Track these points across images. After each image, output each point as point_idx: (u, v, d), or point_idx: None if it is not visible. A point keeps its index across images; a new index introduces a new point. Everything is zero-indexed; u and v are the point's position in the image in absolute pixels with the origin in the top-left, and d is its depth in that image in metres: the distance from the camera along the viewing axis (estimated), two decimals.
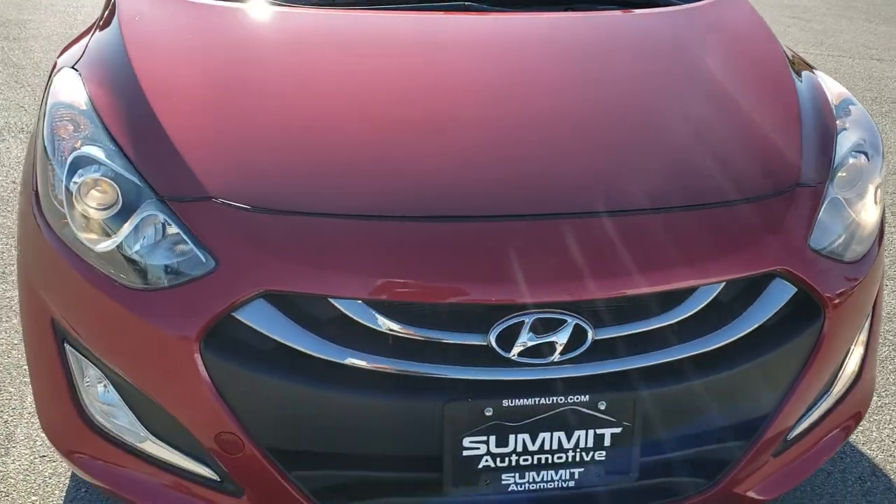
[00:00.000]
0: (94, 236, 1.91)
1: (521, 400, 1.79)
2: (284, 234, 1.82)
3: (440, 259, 1.80)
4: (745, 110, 2.24)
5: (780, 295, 1.94)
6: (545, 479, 1.86)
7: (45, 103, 2.19)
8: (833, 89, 2.45)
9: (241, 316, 1.78)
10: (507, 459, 1.83)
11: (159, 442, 1.94)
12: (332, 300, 1.78)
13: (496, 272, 1.79)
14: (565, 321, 1.78)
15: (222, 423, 1.82)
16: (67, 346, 1.99)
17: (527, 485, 1.85)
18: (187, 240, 1.83)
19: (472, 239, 1.83)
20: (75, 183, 1.94)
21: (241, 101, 2.11)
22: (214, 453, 1.86)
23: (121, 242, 1.87)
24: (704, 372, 1.87)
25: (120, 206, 1.91)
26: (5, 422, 2.75)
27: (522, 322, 1.77)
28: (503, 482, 1.84)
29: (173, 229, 1.85)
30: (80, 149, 1.99)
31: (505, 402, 1.79)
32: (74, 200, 1.93)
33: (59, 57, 2.43)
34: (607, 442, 1.85)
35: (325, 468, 1.87)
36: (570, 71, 2.37)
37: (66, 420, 2.03)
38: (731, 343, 1.89)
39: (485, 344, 1.79)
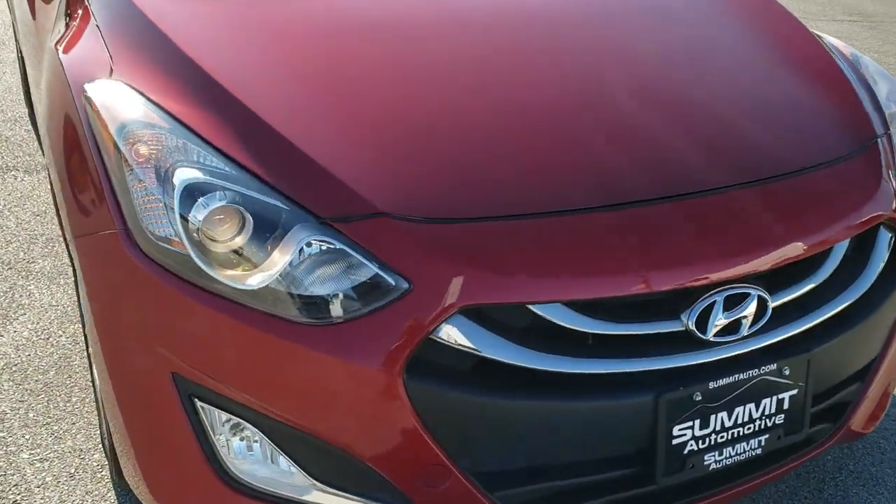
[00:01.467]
0: (236, 272, 1.66)
1: (724, 379, 1.79)
2: (473, 242, 1.68)
3: (636, 247, 1.74)
4: (805, 74, 2.34)
5: (884, 242, 2.06)
6: (738, 451, 1.87)
7: (93, 128, 1.85)
8: (841, 47, 2.61)
9: (440, 336, 1.63)
10: (707, 440, 1.83)
11: (330, 489, 1.74)
12: (531, 306, 1.67)
13: (688, 253, 1.76)
14: (748, 294, 1.79)
15: (429, 455, 1.67)
16: (198, 402, 1.72)
17: (724, 461, 1.86)
18: (367, 262, 1.64)
19: (660, 222, 1.78)
20: (196, 217, 1.67)
21: (349, 98, 1.90)
22: (408, 487, 1.71)
23: (280, 274, 1.64)
24: (851, 323, 1.97)
25: (261, 233, 1.67)
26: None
27: (713, 302, 1.76)
28: (705, 462, 1.84)
29: (345, 253, 1.64)
30: (187, 174, 1.71)
31: (711, 384, 1.78)
32: (202, 235, 1.67)
33: (63, 65, 2.06)
34: (786, 405, 1.90)
35: (528, 483, 1.77)
36: (633, 43, 2.33)
37: (199, 484, 1.76)
38: (865, 292, 1.99)
39: (682, 329, 1.76)
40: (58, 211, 2.16)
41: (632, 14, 2.49)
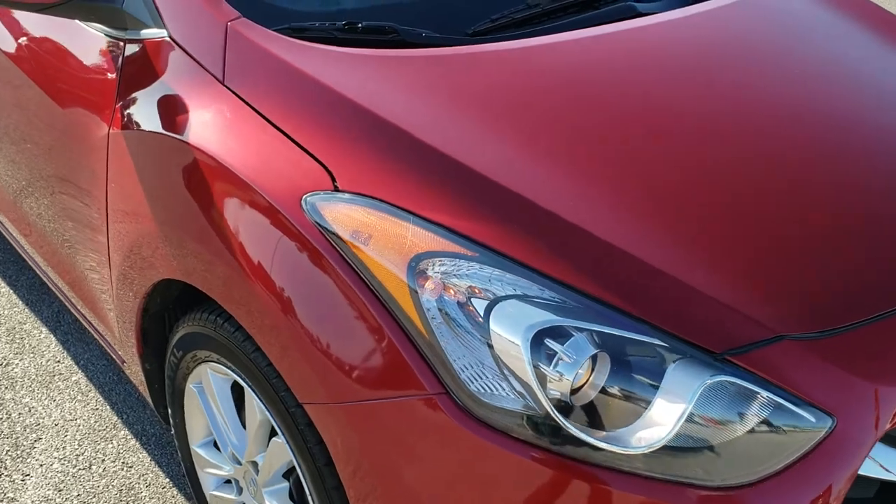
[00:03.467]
0: (612, 433, 1.34)
1: None
2: (873, 349, 1.44)
3: None
4: None
5: None
6: None
7: (354, 266, 1.44)
8: None
9: (865, 471, 1.40)
10: None
11: None
12: None
13: None
14: None
15: None
16: None
17: None
18: (785, 401, 1.36)
19: None
20: (558, 370, 1.33)
21: (673, 203, 1.57)
22: None
23: (675, 431, 1.33)
24: None
25: (639, 380, 1.36)
26: None
27: None
28: None
29: (753, 393, 1.36)
30: (528, 314, 1.36)
31: None
32: (561, 390, 1.33)
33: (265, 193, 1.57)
34: None
35: None
36: (837, 68, 2.12)
37: None
38: None
39: None
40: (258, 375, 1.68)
41: (796, 27, 2.27)
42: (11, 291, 3.15)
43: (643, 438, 1.33)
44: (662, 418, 1.33)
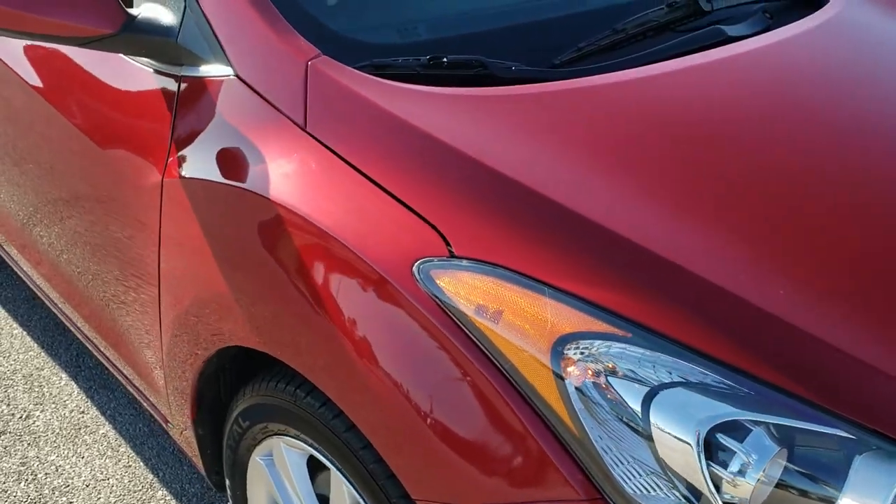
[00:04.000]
0: None
1: None
2: None
3: None
4: None
5: None
6: None
7: (484, 347, 1.26)
8: None
9: None
10: None
11: None
12: None
13: None
14: None
15: None
16: None
17: None
18: None
19: None
20: (739, 474, 1.16)
21: (815, 255, 1.40)
22: None
23: None
24: None
25: (822, 479, 1.19)
26: None
27: None
28: None
29: None
30: (698, 407, 1.18)
31: None
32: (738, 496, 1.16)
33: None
34: None
35: None
36: None
37: None
38: None
39: None
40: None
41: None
42: (25, 333, 2.93)
43: None
44: None
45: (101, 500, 2.32)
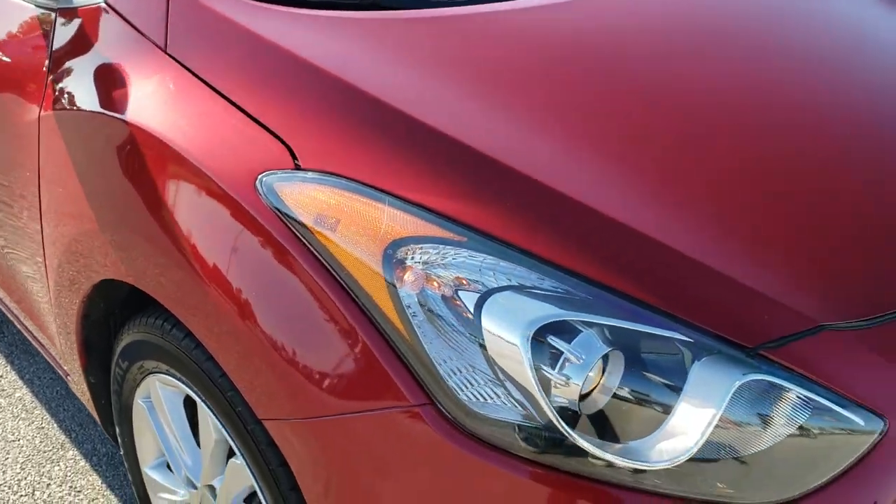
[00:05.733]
0: (629, 445, 1.14)
1: None
2: None
3: None
4: None
5: None
6: None
7: (321, 255, 1.22)
8: None
9: None
10: None
11: None
12: None
13: None
14: None
15: None
16: None
17: None
18: (827, 400, 1.16)
19: None
20: (564, 373, 1.12)
21: (695, 173, 1.36)
22: None
23: (702, 440, 1.13)
24: None
25: (657, 382, 1.15)
26: None
27: None
28: None
29: (791, 392, 1.15)
30: (528, 308, 1.14)
31: None
32: (564, 396, 1.12)
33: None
34: None
35: None
36: None
37: None
38: None
39: None
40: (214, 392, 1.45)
41: None
42: None
43: (665, 451, 1.12)
44: (687, 426, 1.12)
45: (9, 460, 2.28)
